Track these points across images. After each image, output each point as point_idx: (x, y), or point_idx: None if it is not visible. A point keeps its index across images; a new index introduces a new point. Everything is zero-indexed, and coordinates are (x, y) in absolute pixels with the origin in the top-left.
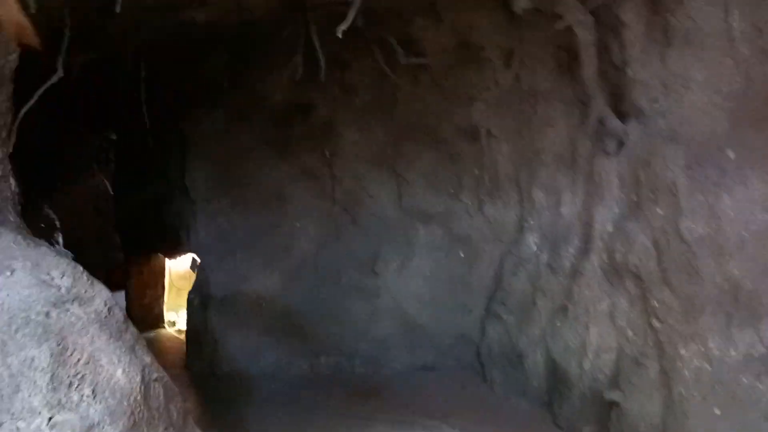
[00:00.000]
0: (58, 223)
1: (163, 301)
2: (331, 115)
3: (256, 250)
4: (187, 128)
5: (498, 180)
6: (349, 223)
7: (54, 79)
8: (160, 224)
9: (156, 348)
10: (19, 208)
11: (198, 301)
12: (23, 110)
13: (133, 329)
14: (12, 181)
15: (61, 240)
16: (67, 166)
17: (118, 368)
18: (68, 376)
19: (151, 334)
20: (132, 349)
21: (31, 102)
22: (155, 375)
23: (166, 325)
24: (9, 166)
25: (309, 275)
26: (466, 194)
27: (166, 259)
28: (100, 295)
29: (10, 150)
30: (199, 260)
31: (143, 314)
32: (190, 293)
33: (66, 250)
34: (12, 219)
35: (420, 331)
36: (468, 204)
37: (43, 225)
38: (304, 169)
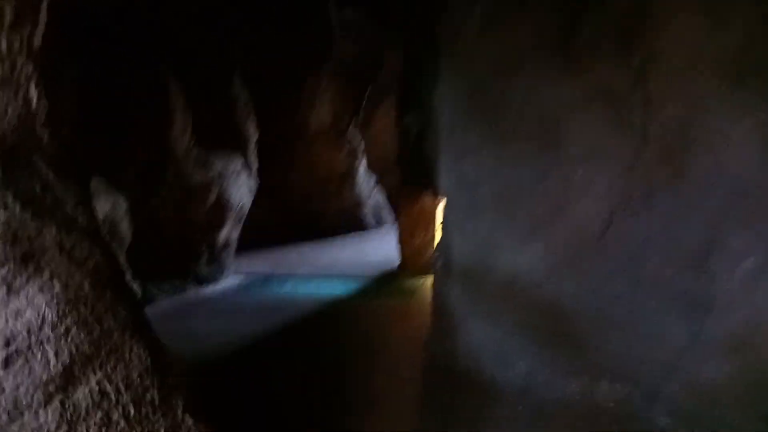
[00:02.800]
0: (363, 147)
1: (434, 243)
2: None
3: (513, 209)
4: (441, 29)
5: None
6: (667, 177)
7: None
8: (424, 157)
9: (411, 303)
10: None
11: (441, 265)
12: None
13: None
14: (33, 91)
15: (363, 164)
16: (375, 86)
17: None
18: None
19: (419, 281)
20: None
21: None
22: None
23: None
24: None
25: (591, 257)
26: None
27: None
28: None
29: (38, 42)
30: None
31: (413, 258)
32: (435, 252)
33: (366, 175)
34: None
35: None
36: None
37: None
38: (597, 87)
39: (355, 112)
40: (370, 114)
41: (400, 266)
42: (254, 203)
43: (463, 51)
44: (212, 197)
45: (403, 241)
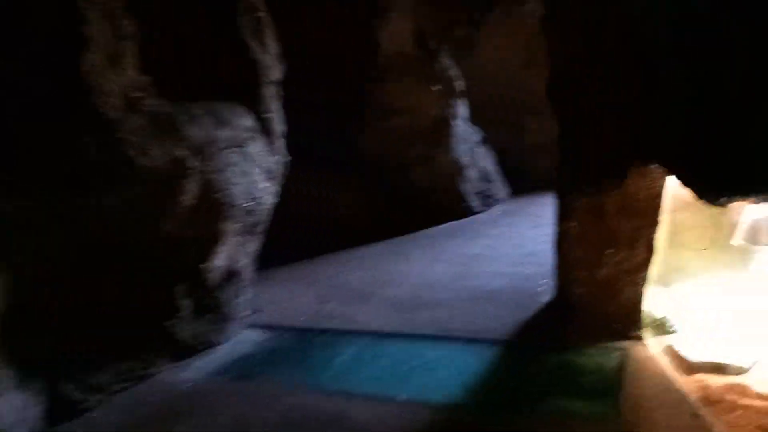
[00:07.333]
0: (463, 83)
1: (645, 275)
2: None
3: None
4: None
5: None
6: None
7: None
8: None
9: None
10: None
11: None
12: None
13: None
14: None
15: (463, 110)
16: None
17: None
18: None
19: (612, 353)
20: None
21: None
22: None
23: (647, 331)
24: None
25: None
26: None
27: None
28: None
29: None
30: None
31: (596, 300)
32: None
33: (469, 127)
34: None
35: None
36: None
37: None
38: None
39: (449, 27)
40: (474, 30)
41: (562, 314)
42: (286, 187)
43: None
44: (190, 192)
45: (570, 268)
